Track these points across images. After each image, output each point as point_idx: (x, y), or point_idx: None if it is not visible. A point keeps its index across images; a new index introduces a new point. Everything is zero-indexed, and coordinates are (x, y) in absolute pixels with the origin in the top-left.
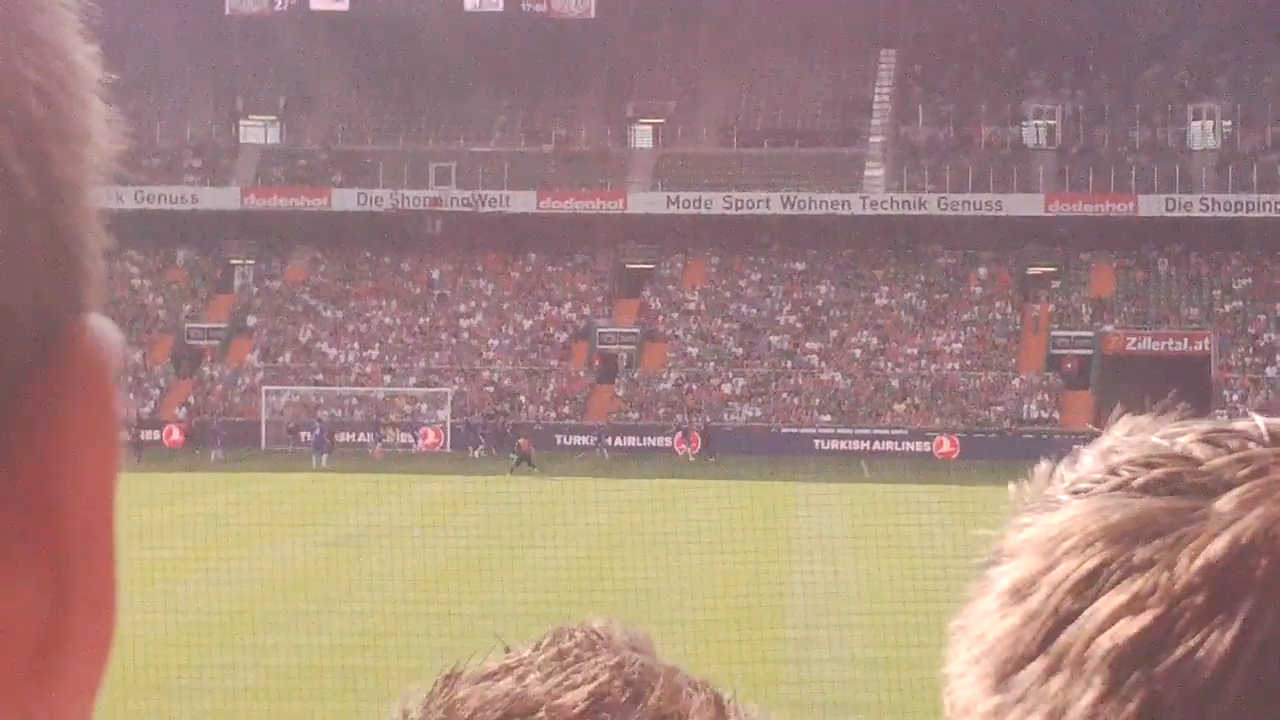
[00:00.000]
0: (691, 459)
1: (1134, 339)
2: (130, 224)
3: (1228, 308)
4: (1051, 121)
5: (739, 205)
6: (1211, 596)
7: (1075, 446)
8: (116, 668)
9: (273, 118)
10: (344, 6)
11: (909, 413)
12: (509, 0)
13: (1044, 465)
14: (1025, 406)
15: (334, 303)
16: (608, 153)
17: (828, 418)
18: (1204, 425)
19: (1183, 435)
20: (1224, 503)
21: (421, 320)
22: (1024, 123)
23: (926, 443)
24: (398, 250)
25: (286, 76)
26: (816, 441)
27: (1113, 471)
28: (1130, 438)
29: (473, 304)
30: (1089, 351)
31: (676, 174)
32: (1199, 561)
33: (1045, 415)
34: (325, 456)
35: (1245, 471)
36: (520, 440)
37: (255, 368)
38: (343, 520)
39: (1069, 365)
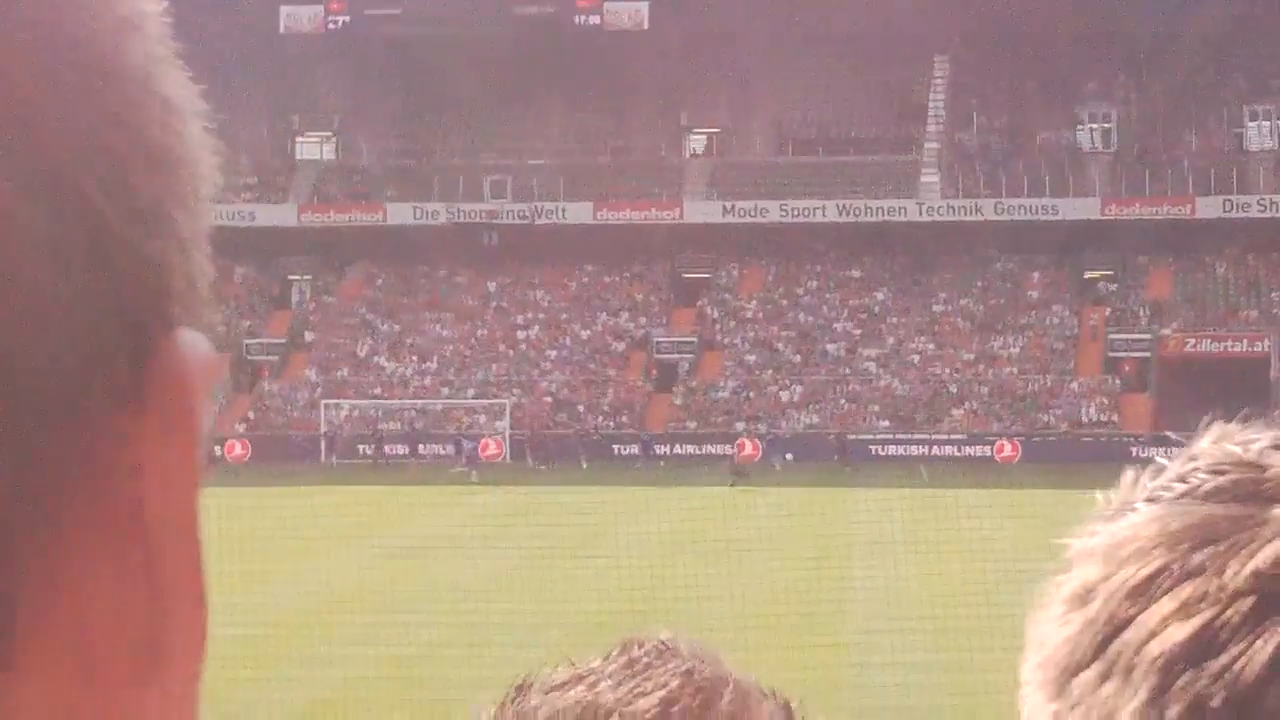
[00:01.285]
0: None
1: (1192, 341)
2: None
3: None
4: (1107, 125)
5: (794, 213)
6: (1259, 602)
7: (1171, 450)
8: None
9: (328, 134)
10: (396, 22)
11: (967, 418)
12: (562, 12)
13: (1130, 473)
14: (1084, 410)
15: (391, 316)
16: (662, 162)
17: (886, 424)
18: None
19: (1258, 442)
20: None
21: (479, 333)
22: (1079, 126)
23: (986, 447)
24: (454, 263)
25: (341, 93)
26: (873, 448)
27: (1183, 479)
28: (1211, 446)
29: (530, 315)
30: (1147, 354)
31: (731, 183)
32: (1249, 567)
33: (1104, 418)
34: (473, 471)
35: None
36: (735, 454)
37: (313, 382)
38: (405, 531)
39: (1127, 368)
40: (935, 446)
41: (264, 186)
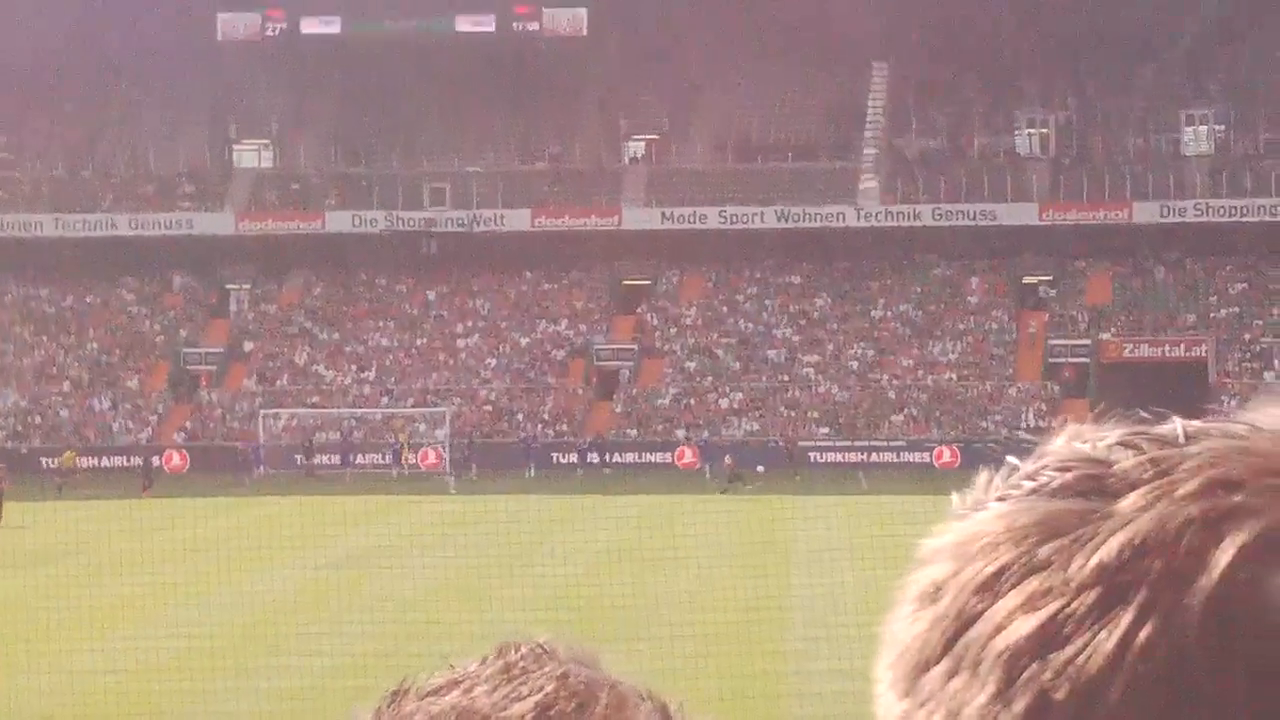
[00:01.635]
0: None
1: (1131, 346)
2: (126, 250)
3: (1224, 313)
4: (1044, 130)
5: (734, 220)
6: (1103, 595)
7: (1008, 456)
8: (118, 697)
9: (266, 141)
10: (335, 29)
11: (907, 424)
12: (501, 19)
13: (984, 474)
14: (1024, 415)
15: (330, 325)
16: (602, 169)
17: (825, 430)
18: (1126, 428)
19: (1104, 439)
20: (1126, 504)
21: (419, 341)
22: (1017, 131)
23: (925, 453)
24: (393, 271)
25: (279, 100)
26: (812, 455)
27: (1032, 477)
28: (1061, 445)
29: (469, 324)
30: (1086, 359)
31: (671, 189)
32: (1093, 560)
33: (1044, 423)
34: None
35: (1151, 473)
36: (727, 459)
37: (253, 392)
38: (343, 543)
39: (1067, 373)
40: (875, 453)
41: (201, 195)
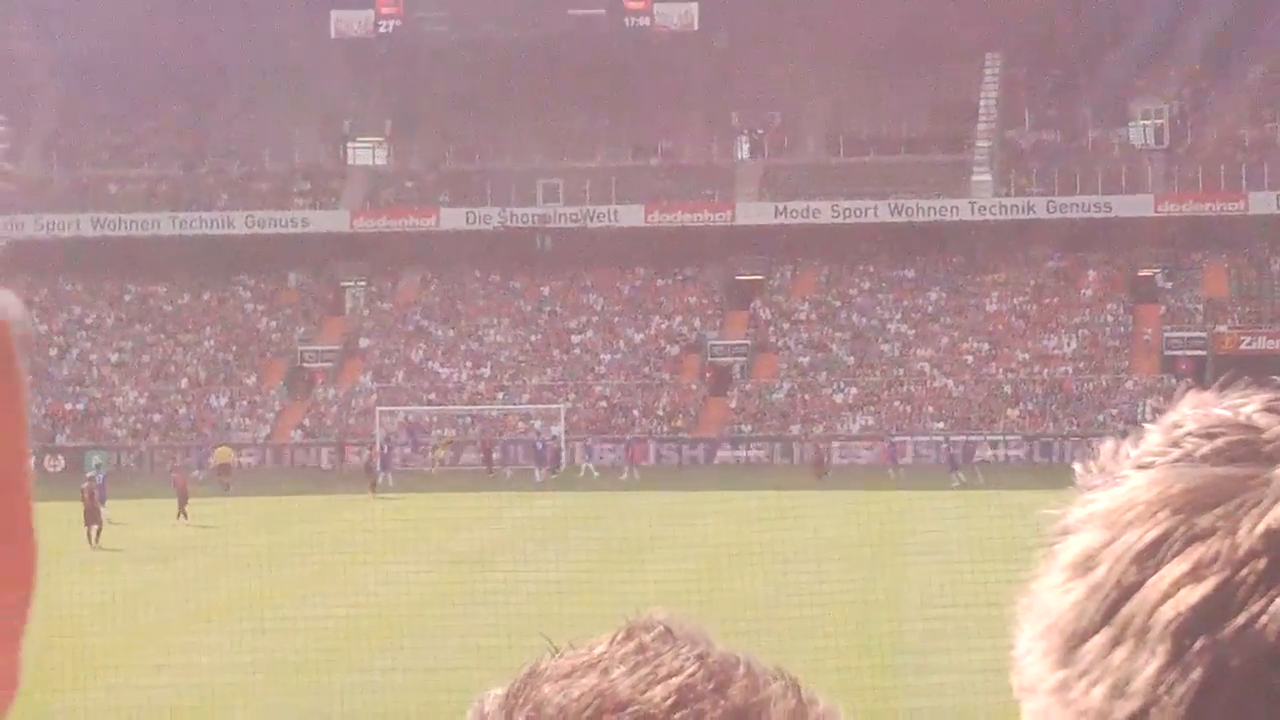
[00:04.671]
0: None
1: (1248, 338)
2: (242, 248)
3: None
4: (1159, 121)
5: (846, 214)
6: (1273, 562)
7: (1142, 424)
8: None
9: (380, 139)
10: (447, 26)
11: (1023, 418)
12: (612, 14)
13: (1110, 442)
14: (1140, 409)
15: (445, 322)
16: (714, 165)
17: (940, 425)
18: (1267, 394)
19: (1246, 405)
20: None
21: (533, 337)
22: (1131, 123)
23: (1042, 446)
24: (507, 268)
25: (392, 98)
26: (927, 451)
27: (1175, 444)
28: (1195, 411)
29: (583, 319)
30: (1203, 352)
31: (783, 184)
32: (1260, 527)
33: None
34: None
35: None
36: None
37: (369, 389)
38: (462, 539)
39: (1183, 366)
40: (991, 448)
41: (317, 192)
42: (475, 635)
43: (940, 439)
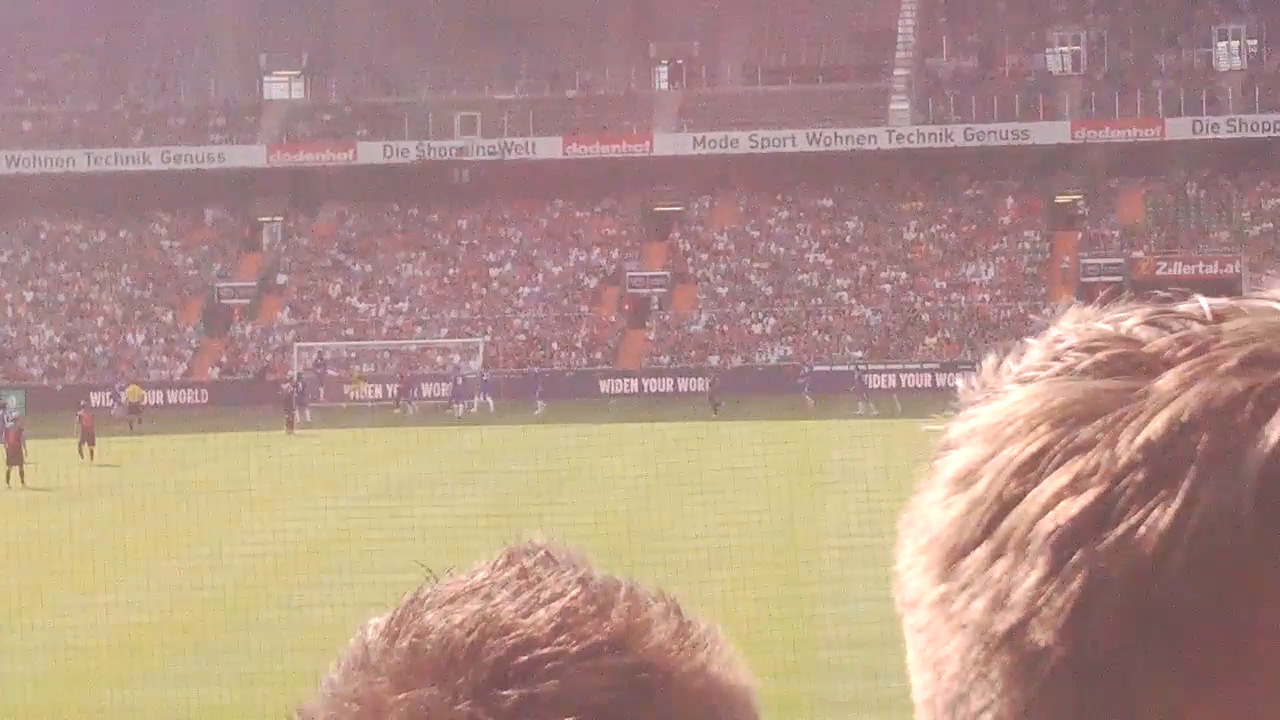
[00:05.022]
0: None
1: (1164, 264)
2: (158, 184)
3: (1258, 229)
4: (1076, 48)
5: (765, 144)
6: (1152, 473)
7: (1023, 339)
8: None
9: (296, 73)
10: None
11: (940, 346)
12: None
13: (991, 358)
14: None
15: (363, 257)
16: (632, 96)
17: (860, 354)
18: (1148, 308)
19: (1127, 319)
20: (1164, 381)
21: (451, 271)
22: (1048, 50)
23: (961, 375)
24: (425, 202)
25: (309, 32)
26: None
27: (1057, 358)
28: (1076, 325)
29: (502, 253)
30: (1120, 279)
31: (701, 114)
32: (1139, 439)
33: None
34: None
35: (1186, 351)
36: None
37: (287, 325)
38: (380, 474)
39: (1101, 292)
40: (909, 376)
41: (233, 127)
42: (394, 572)
43: (849, 368)
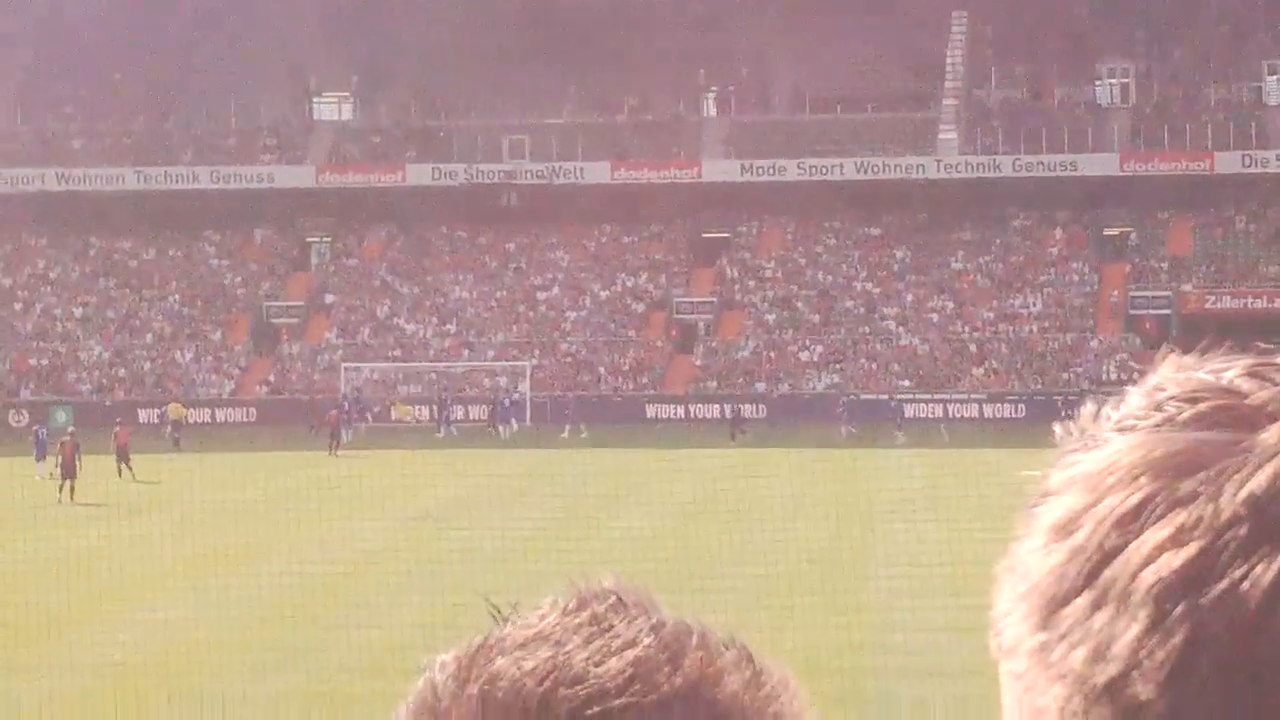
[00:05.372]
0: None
1: (1212, 298)
2: (207, 203)
3: None
4: (1125, 80)
5: (813, 171)
6: (1255, 528)
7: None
8: (205, 647)
9: (346, 94)
10: None
11: (988, 376)
12: None
13: (1091, 405)
14: (1104, 368)
15: (411, 278)
16: (681, 121)
17: (907, 383)
18: (1249, 359)
19: (1228, 370)
20: (1268, 435)
21: (499, 294)
22: (1098, 81)
23: (1007, 406)
24: (473, 224)
25: (359, 53)
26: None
27: (1158, 408)
28: (1176, 375)
29: (549, 276)
30: (1167, 311)
31: (750, 141)
32: (1243, 493)
33: (1125, 377)
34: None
35: None
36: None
37: (334, 345)
38: (426, 495)
39: (1148, 325)
40: (956, 406)
41: (282, 148)
42: (439, 593)
43: (884, 397)
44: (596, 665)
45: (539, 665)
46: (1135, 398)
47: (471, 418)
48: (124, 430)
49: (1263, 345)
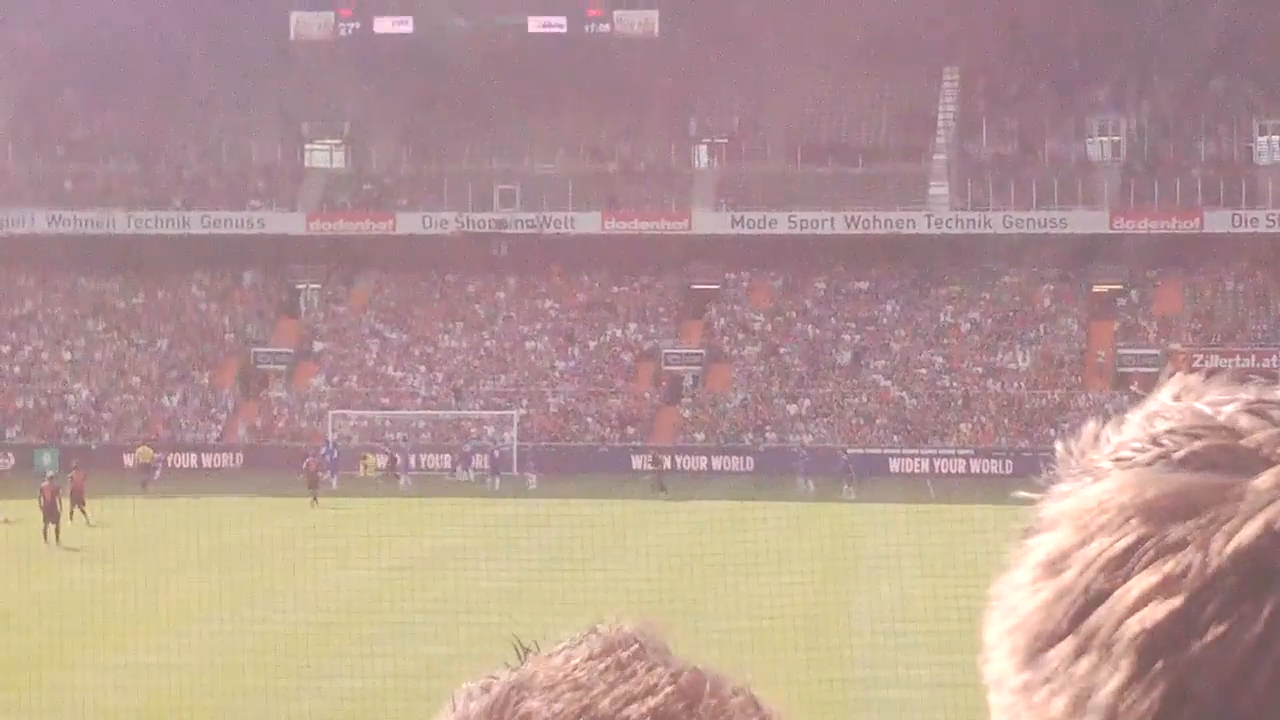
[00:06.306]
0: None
1: (1201, 357)
2: (197, 247)
3: None
4: (1116, 137)
5: (803, 225)
6: (1242, 582)
7: (1125, 411)
8: (184, 693)
9: (338, 141)
10: (408, 29)
11: (975, 432)
12: (572, 20)
13: (1091, 427)
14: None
15: (400, 326)
16: (672, 172)
17: (896, 437)
18: (1250, 394)
19: (1228, 404)
20: (1262, 481)
21: (488, 343)
22: (1088, 137)
23: (995, 461)
24: (463, 273)
25: (351, 100)
26: (891, 462)
27: (1154, 441)
28: (1176, 404)
29: (538, 325)
30: (1156, 370)
31: (741, 193)
32: (1231, 547)
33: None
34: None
35: None
36: (652, 463)
37: (321, 391)
38: (408, 545)
39: (1136, 384)
40: (943, 461)
41: (273, 193)
42: (422, 643)
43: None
44: (619, 710)
45: (568, 707)
46: (1133, 426)
47: (427, 467)
48: (79, 474)
49: (1260, 378)
